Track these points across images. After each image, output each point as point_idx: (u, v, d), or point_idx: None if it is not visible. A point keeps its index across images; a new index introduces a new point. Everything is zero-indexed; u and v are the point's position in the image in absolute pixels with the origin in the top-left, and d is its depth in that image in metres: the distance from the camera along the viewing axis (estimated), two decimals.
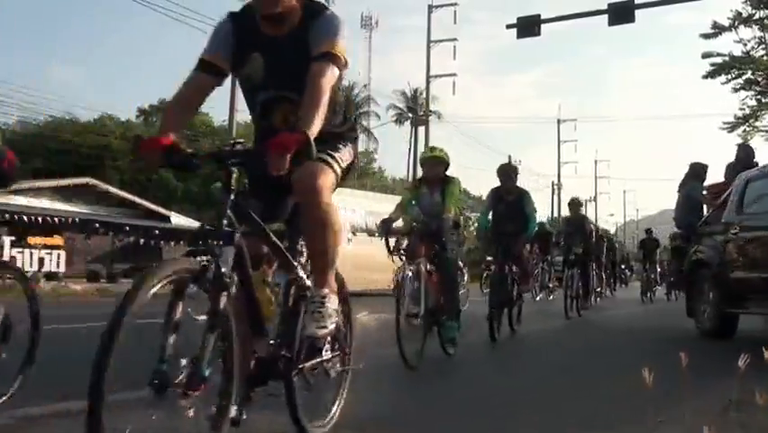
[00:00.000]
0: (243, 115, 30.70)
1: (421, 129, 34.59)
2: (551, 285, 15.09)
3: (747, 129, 20.64)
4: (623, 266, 23.94)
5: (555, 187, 46.18)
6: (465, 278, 10.99)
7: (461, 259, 10.46)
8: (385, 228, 5.09)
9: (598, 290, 13.91)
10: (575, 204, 11.43)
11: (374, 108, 43.53)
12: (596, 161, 57.81)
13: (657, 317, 10.74)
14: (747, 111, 20.57)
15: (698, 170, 7.96)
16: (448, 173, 5.43)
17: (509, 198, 6.89)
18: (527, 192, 7.11)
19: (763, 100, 20.32)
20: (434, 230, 5.03)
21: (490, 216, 7.11)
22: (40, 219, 18.77)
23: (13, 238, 17.67)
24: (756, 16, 19.40)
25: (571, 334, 8.02)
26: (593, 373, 4.76)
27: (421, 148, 33.81)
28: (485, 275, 14.30)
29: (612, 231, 62.36)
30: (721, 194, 7.26)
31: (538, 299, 13.97)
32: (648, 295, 15.08)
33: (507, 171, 7.12)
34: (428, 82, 29.78)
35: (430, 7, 29.07)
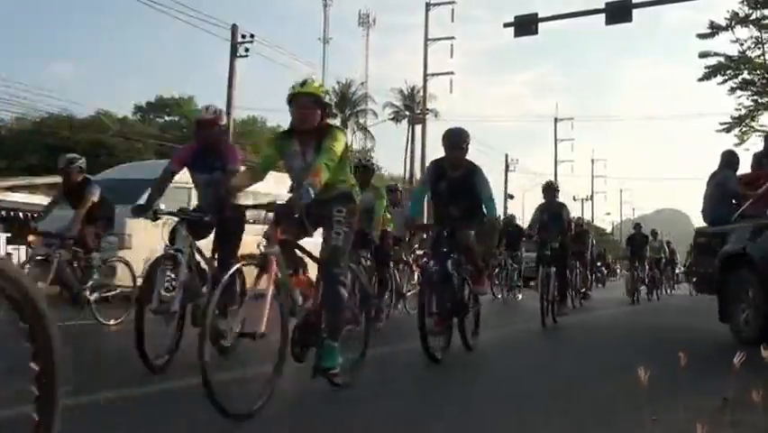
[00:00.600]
0: (240, 112, 30.63)
1: (418, 127, 34.64)
2: (520, 284, 13.76)
3: (744, 129, 20.72)
4: (599, 263, 22.71)
5: None
6: (415, 277, 9.58)
7: (405, 253, 9.22)
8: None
9: (583, 290, 12.93)
10: (550, 189, 9.20)
11: (371, 106, 43.46)
12: (593, 160, 57.92)
13: (649, 317, 10.73)
14: (744, 111, 20.64)
15: (730, 159, 7.09)
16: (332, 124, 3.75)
17: (455, 175, 5.28)
18: (480, 169, 5.42)
19: (760, 100, 20.39)
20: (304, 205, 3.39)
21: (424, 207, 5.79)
22: (36, 216, 18.69)
23: (9, 235, 17.63)
24: (753, 16, 19.46)
25: (550, 342, 7.03)
26: (581, 375, 4.73)
27: (418, 146, 33.95)
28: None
29: (608, 230, 62.51)
30: (752, 184, 6.69)
31: (501, 296, 12.98)
32: (636, 295, 14.23)
33: (456, 139, 5.31)
34: (425, 80, 29.78)
35: (428, 5, 29.07)
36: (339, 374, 3.52)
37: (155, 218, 4.63)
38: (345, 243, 3.56)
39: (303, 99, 3.57)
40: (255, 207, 3.78)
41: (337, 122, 42.39)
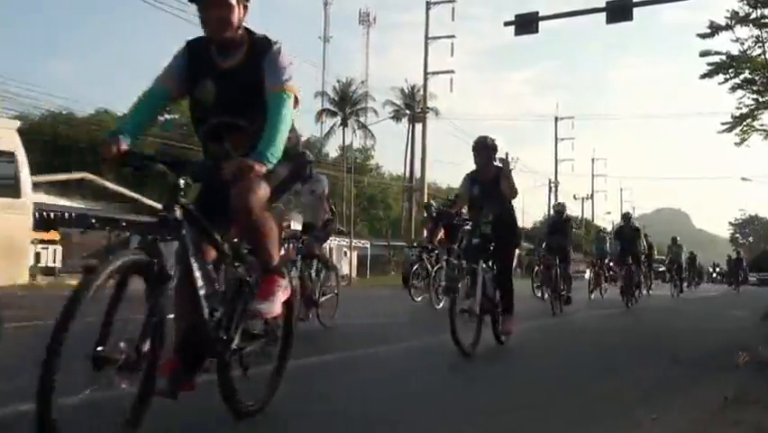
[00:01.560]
0: None
1: (418, 126, 34.61)
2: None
3: (745, 129, 20.73)
4: None
5: (552, 185, 46.24)
6: (332, 277, 7.00)
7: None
8: None
9: (564, 292, 10.25)
10: (484, 149, 5.71)
11: (371, 105, 43.39)
12: (593, 159, 57.87)
13: (634, 319, 10.60)
14: (744, 110, 20.64)
15: None
16: None
17: (225, 65, 2.62)
18: (276, 46, 2.70)
19: (761, 99, 20.38)
20: None
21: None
22: (36, 214, 18.72)
23: None
24: (753, 15, 19.45)
25: (530, 344, 5.79)
26: (575, 376, 4.72)
27: (419, 145, 33.87)
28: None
29: (609, 228, 62.59)
30: None
31: (439, 307, 9.23)
32: (632, 297, 11.97)
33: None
34: (426, 79, 29.79)
35: (428, 4, 29.06)
36: None
37: None
38: None
39: None
40: None
41: (338, 120, 42.33)
